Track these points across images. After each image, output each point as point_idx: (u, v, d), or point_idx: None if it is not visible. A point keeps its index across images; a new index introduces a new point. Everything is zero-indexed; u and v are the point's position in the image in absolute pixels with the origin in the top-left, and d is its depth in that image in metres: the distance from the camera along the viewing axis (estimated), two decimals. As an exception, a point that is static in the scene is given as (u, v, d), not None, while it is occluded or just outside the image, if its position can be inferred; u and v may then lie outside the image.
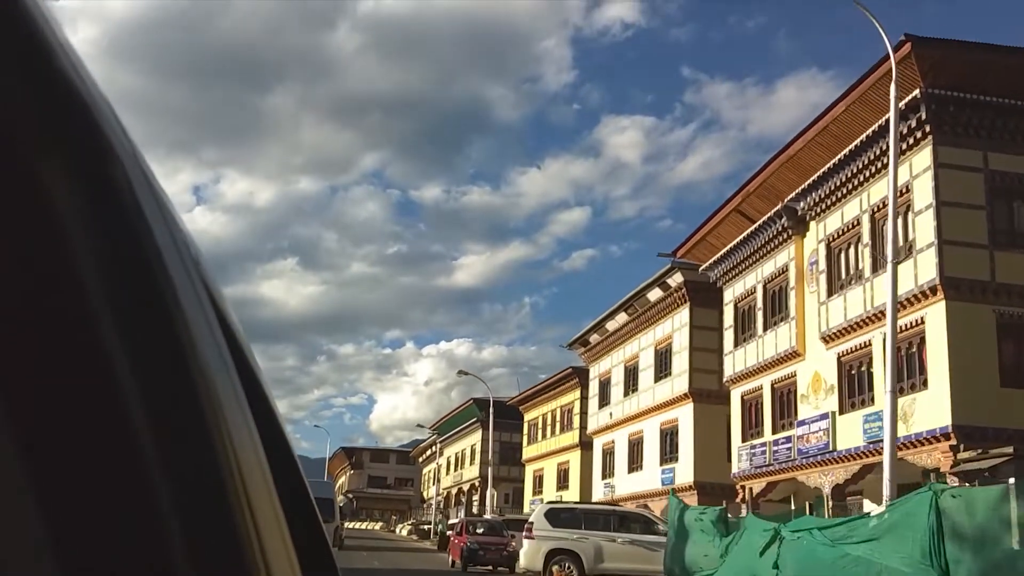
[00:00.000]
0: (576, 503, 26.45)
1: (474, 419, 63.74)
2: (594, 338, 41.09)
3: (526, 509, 52.68)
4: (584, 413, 44.86)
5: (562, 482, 47.78)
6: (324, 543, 0.83)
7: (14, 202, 0.37)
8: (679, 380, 32.49)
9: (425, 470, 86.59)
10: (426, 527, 66.04)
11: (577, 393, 46.12)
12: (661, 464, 33.67)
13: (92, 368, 0.39)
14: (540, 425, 52.17)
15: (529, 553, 20.17)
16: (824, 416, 22.90)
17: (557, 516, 20.64)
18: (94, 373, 0.39)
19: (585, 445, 44.73)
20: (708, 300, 31.89)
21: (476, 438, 64.14)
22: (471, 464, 65.40)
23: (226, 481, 0.45)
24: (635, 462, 36.54)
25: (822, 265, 23.34)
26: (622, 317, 37.31)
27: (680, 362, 32.53)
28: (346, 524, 77.82)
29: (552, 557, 19.93)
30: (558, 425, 49.01)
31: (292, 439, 0.79)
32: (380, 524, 74.45)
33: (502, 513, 60.98)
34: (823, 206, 23.35)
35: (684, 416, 32.11)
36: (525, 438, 55.07)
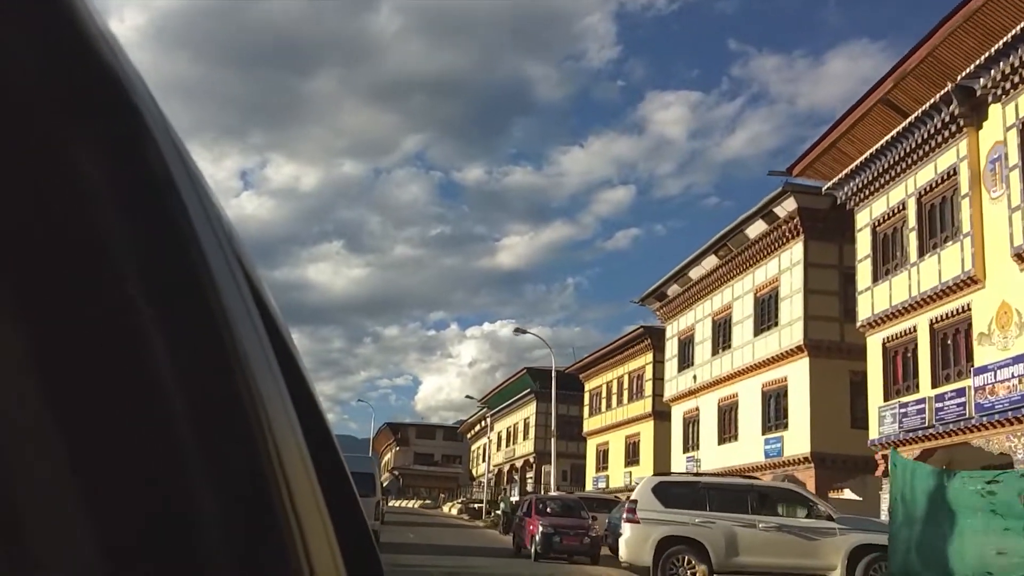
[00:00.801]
0: (696, 475, 20.65)
1: (527, 391, 58.57)
2: (673, 290, 35.36)
3: (588, 487, 47.40)
4: (658, 378, 39.24)
5: (631, 457, 42.29)
6: (365, 529, 0.80)
7: (47, 177, 0.37)
8: (789, 332, 26.71)
9: (474, 447, 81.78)
10: (476, 505, 61.21)
11: (649, 356, 40.49)
12: (764, 433, 27.99)
13: (128, 350, 0.38)
14: (604, 394, 46.67)
15: (633, 542, 14.77)
16: (1018, 359, 17.05)
17: (669, 492, 15.16)
18: (130, 355, 0.38)
19: (660, 415, 39.15)
20: (828, 231, 26.02)
21: (530, 411, 58.96)
22: (524, 439, 60.26)
23: (266, 468, 0.44)
24: (727, 431, 30.88)
25: (1014, 159, 17.36)
26: (711, 261, 31.55)
27: (790, 309, 26.74)
28: (391, 502, 73.59)
29: (666, 547, 14.52)
30: (626, 393, 43.47)
31: (327, 417, 0.76)
32: (427, 502, 69.73)
33: (559, 491, 55.94)
34: (1014, 80, 17.33)
35: (796, 374, 26.36)
36: (586, 409, 49.64)
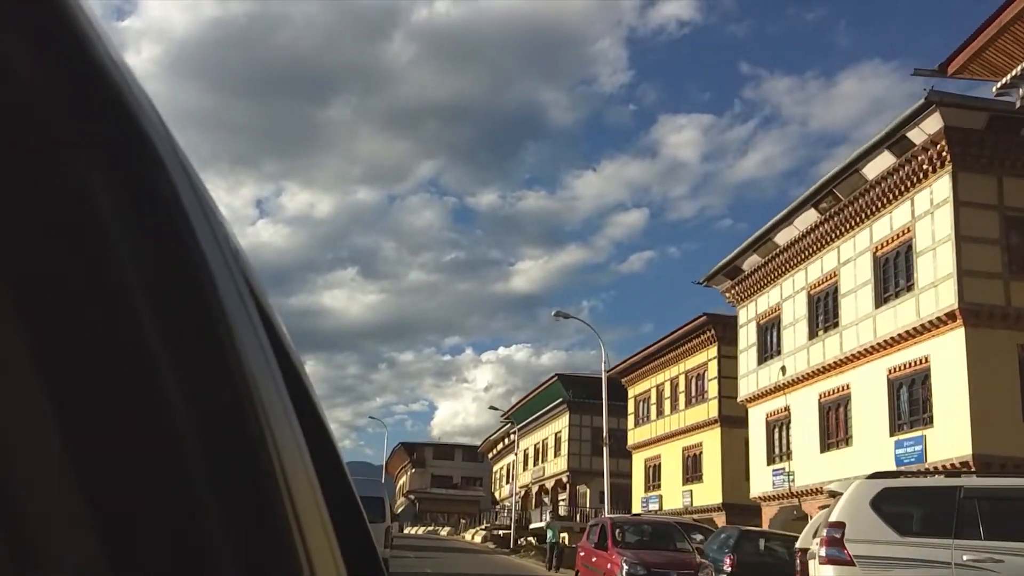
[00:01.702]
0: (943, 476, 13.39)
1: (558, 401, 51.82)
2: (751, 262, 28.73)
3: (636, 508, 40.56)
4: (726, 377, 32.56)
5: (691, 472, 35.46)
6: (372, 551, 0.81)
7: (52, 196, 0.37)
8: (932, 296, 20.04)
9: (496, 467, 74.91)
10: (502, 532, 54.38)
11: (713, 350, 33.80)
12: (894, 433, 21.26)
13: (133, 367, 0.38)
14: (653, 400, 39.92)
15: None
16: None
17: (901, 505, 8.55)
18: (136, 372, 0.38)
19: (729, 420, 32.42)
20: (984, 160, 19.47)
21: (562, 424, 52.20)
22: (556, 456, 53.42)
23: (271, 486, 0.44)
24: (835, 434, 24.16)
25: None
26: (807, 219, 24.95)
27: (932, 267, 20.10)
28: (407, 528, 66.86)
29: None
30: (682, 398, 36.73)
31: (336, 440, 0.76)
32: (447, 529, 62.79)
33: (596, 515, 49.11)
34: None
35: (944, 352, 19.67)
36: (630, 419, 42.85)
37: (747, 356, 29.60)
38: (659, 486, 38.56)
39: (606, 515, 21.28)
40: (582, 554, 16.68)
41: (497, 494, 73.06)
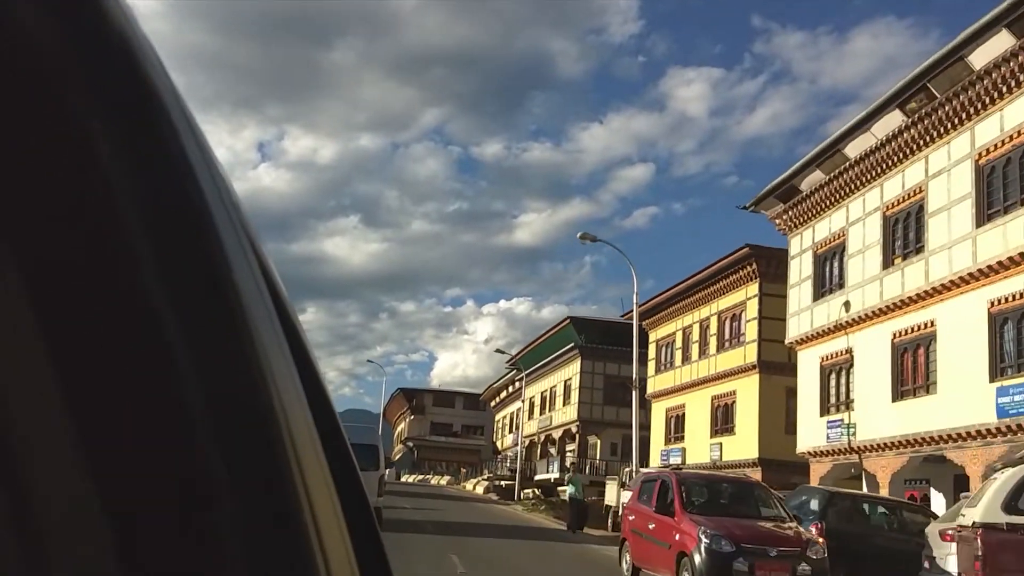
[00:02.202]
0: None
1: (570, 346, 48.18)
2: (812, 181, 24.74)
3: (654, 462, 37.17)
4: (768, 317, 28.86)
5: (721, 424, 31.91)
6: (372, 521, 0.79)
7: (54, 141, 0.37)
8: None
9: (499, 415, 71.77)
10: (504, 483, 51.27)
11: (754, 288, 30.02)
12: (995, 379, 17.53)
13: (143, 337, 0.38)
14: (679, 344, 36.23)
15: None
16: None
17: None
18: (146, 342, 0.38)
19: (769, 366, 28.80)
20: None
21: (572, 370, 48.63)
22: (565, 404, 49.95)
23: (283, 458, 0.44)
24: (912, 380, 20.45)
25: None
26: (889, 123, 20.93)
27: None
28: (404, 476, 63.82)
29: None
30: (713, 341, 33.04)
31: (329, 391, 0.76)
32: (447, 478, 59.71)
33: (608, 470, 45.85)
34: None
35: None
36: (651, 365, 39.23)
37: (799, 292, 25.78)
38: (682, 438, 35.07)
39: (669, 469, 17.18)
40: (632, 518, 12.80)
41: (499, 444, 70.01)
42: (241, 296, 0.44)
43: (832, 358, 23.98)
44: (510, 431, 67.12)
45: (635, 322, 25.99)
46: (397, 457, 79.44)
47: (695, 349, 34.59)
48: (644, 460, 41.95)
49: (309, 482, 0.47)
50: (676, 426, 36.12)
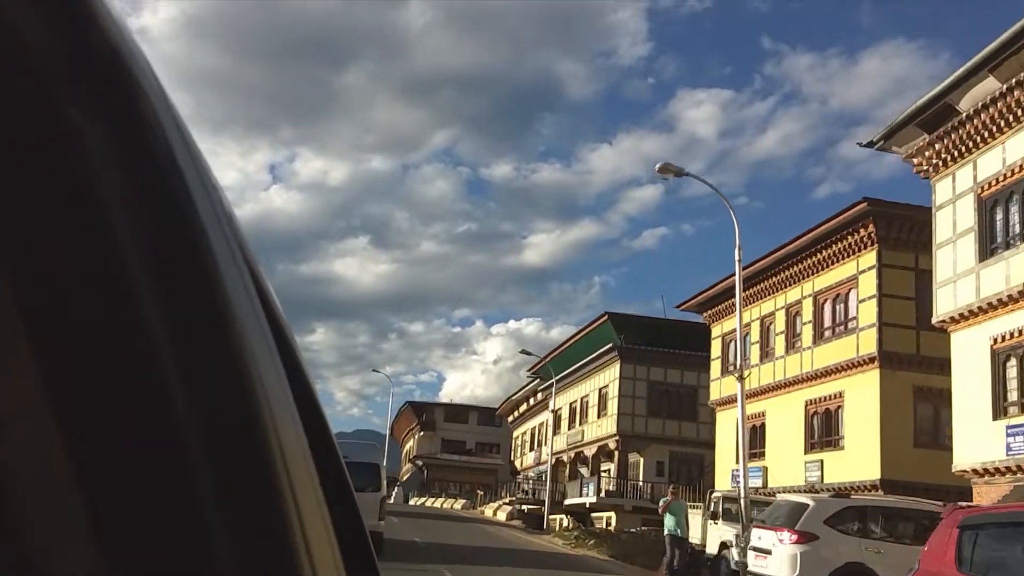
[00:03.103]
0: None
1: (607, 347, 41.23)
2: (976, 96, 17.95)
3: (721, 484, 30.29)
4: (891, 295, 22.10)
5: (822, 435, 25.03)
6: (362, 530, 0.79)
7: (43, 148, 0.37)
8: None
9: (517, 432, 64.90)
10: (527, 507, 44.36)
11: (870, 257, 23.23)
12: None
13: (131, 343, 0.37)
14: (755, 338, 29.42)
15: None
16: None
17: None
18: (134, 348, 0.37)
19: (893, 359, 21.99)
20: None
21: (610, 376, 41.76)
22: (601, 416, 43.03)
23: (269, 460, 0.44)
24: None
25: None
26: None
27: None
28: (412, 499, 56.76)
29: None
30: (807, 331, 26.22)
31: (321, 401, 0.76)
32: (462, 502, 52.66)
33: (654, 493, 38.83)
34: None
35: None
36: (714, 366, 32.43)
37: (954, 252, 18.94)
38: (762, 454, 28.16)
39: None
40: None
41: (518, 463, 63.04)
42: (232, 306, 0.44)
43: (1010, 339, 17.15)
44: (531, 448, 60.14)
45: (737, 276, 19.06)
46: (405, 477, 72.51)
47: (779, 342, 27.78)
48: (700, 483, 35.07)
49: (299, 495, 0.46)
50: (752, 439, 29.20)
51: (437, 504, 53.22)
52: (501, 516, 42.67)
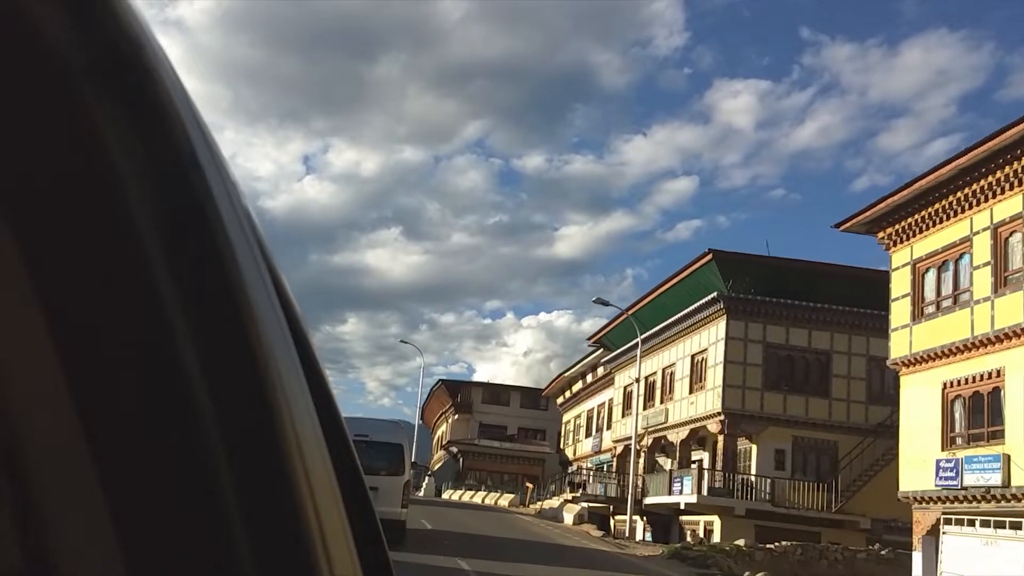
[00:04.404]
0: None
1: (709, 299, 31.08)
2: None
3: (917, 484, 20.30)
4: None
5: None
6: (376, 528, 0.77)
7: (62, 138, 0.37)
8: None
9: (568, 416, 55.21)
10: (589, 505, 34.69)
11: None
12: None
13: (152, 341, 0.38)
14: (982, 258, 19.26)
15: None
16: None
17: None
18: (155, 347, 0.38)
19: None
20: None
21: (711, 337, 31.65)
22: (694, 391, 32.97)
23: (285, 452, 0.44)
24: None
25: None
26: None
27: None
28: (445, 492, 47.75)
29: None
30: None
31: (338, 404, 0.74)
32: (509, 496, 42.83)
33: (782, 493, 28.68)
34: None
35: None
36: (899, 307, 22.23)
37: None
38: (999, 435, 18.06)
39: None
40: None
41: (569, 452, 53.34)
42: (251, 301, 0.44)
43: None
44: (587, 434, 50.40)
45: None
46: (437, 467, 63.10)
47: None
48: (846, 480, 25.25)
49: (315, 488, 0.46)
50: (975, 413, 19.11)
51: (477, 499, 43.60)
52: (568, 519, 32.84)
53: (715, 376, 31.13)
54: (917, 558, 20.76)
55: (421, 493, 43.17)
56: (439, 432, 72.98)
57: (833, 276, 30.74)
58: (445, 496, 46.93)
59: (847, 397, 30.48)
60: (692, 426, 32.79)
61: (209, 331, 0.40)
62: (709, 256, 30.96)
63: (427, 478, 49.89)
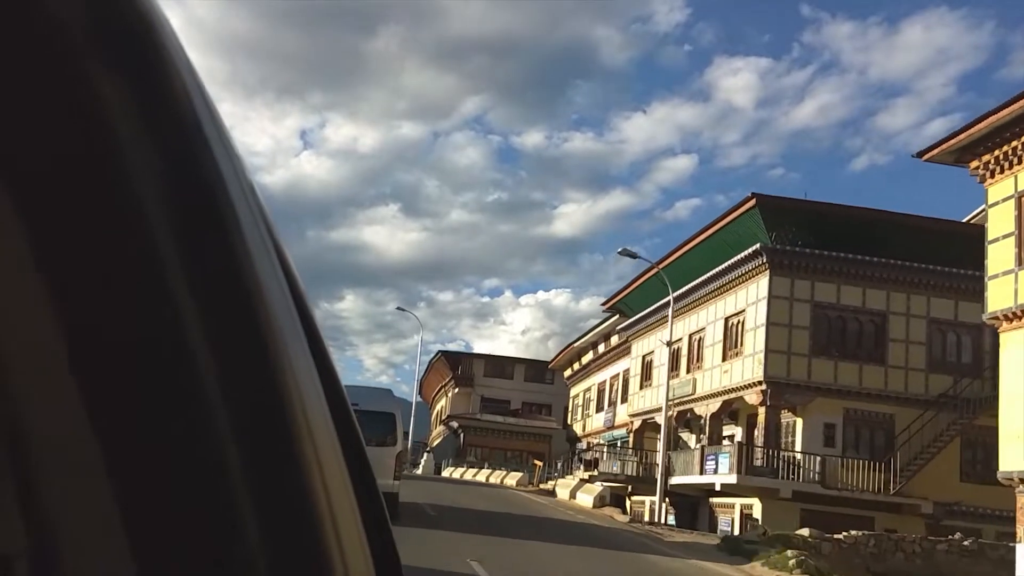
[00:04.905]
0: None
1: (751, 251, 27.20)
2: None
3: (1013, 462, 16.54)
4: None
5: None
6: (383, 515, 0.78)
7: (70, 112, 0.37)
8: None
9: (576, 390, 51.56)
10: (607, 485, 31.12)
11: None
12: None
13: (161, 327, 0.37)
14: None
15: None
16: None
17: None
18: (158, 311, 0.37)
19: None
20: None
21: (752, 296, 27.91)
22: (728, 358, 29.22)
23: (296, 435, 0.43)
24: None
25: None
26: None
27: None
28: (445, 470, 44.61)
29: None
30: None
31: (339, 374, 0.73)
32: (516, 475, 39.17)
33: (825, 466, 25.01)
34: None
35: None
36: (995, 256, 18.43)
37: None
38: None
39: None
40: None
41: (578, 428, 49.80)
42: (258, 278, 0.43)
43: None
44: (599, 409, 46.84)
45: None
46: (436, 442, 59.62)
47: None
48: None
49: (326, 472, 0.46)
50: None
51: (480, 477, 40.00)
52: (583, 501, 29.25)
53: (755, 340, 27.40)
54: (1021, 551, 17.11)
55: (419, 470, 39.71)
56: (438, 406, 69.45)
57: (893, 226, 26.98)
58: (445, 474, 43.42)
59: (905, 364, 26.81)
60: (725, 397, 29.11)
61: (218, 312, 0.39)
62: (752, 201, 27.10)
63: (426, 454, 46.48)
